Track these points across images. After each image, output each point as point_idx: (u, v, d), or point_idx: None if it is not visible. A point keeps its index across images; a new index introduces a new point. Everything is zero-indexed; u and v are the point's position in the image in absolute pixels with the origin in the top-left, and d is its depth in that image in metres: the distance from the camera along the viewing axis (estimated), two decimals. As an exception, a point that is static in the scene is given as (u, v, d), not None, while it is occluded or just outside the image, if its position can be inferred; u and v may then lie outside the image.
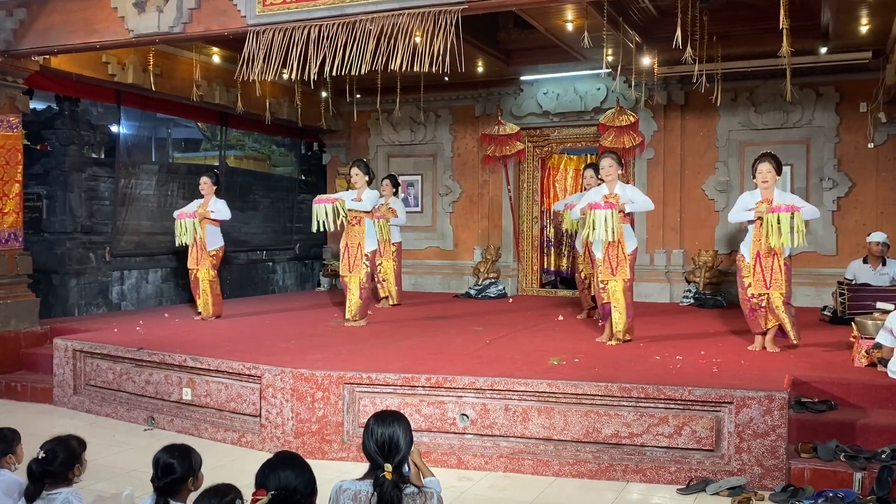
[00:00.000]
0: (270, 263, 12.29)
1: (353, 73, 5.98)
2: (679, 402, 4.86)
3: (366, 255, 7.66)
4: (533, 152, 11.23)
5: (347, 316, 7.77)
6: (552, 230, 11.41)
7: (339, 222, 7.58)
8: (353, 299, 7.68)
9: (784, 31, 5.80)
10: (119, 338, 7.02)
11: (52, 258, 8.97)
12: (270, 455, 2.77)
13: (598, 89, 10.44)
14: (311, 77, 6.14)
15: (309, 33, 6.14)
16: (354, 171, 7.89)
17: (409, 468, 2.90)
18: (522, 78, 10.80)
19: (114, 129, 10.62)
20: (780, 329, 6.28)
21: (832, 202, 9.56)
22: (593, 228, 6.39)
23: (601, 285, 6.63)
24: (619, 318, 6.56)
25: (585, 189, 8.02)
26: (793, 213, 5.93)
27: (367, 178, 7.85)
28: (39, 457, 3.18)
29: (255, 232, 11.93)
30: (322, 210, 7.45)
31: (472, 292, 10.74)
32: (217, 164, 12.01)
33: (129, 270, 9.84)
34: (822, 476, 4.59)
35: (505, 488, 4.83)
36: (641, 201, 6.77)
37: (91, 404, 6.70)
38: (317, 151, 13.18)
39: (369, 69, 5.97)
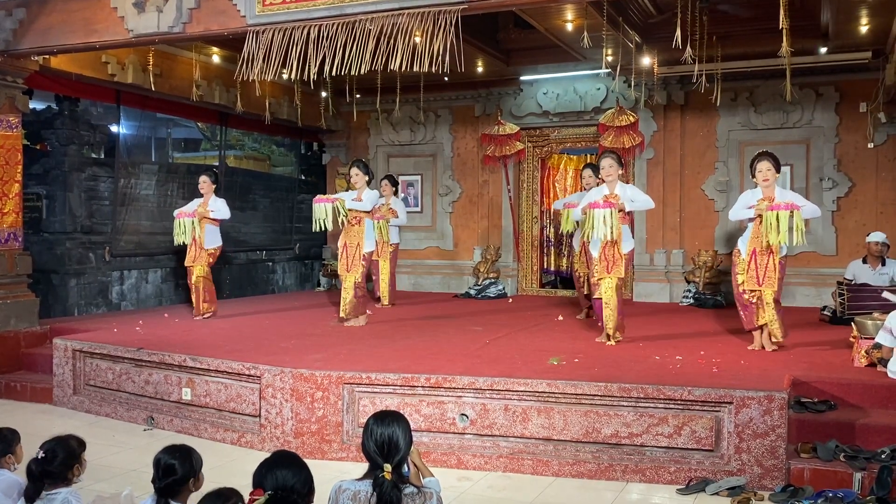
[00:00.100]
0: (270, 263, 12.29)
1: (352, 72, 5.97)
2: (679, 402, 4.86)
3: (363, 255, 7.67)
4: (533, 152, 11.23)
5: (341, 314, 7.79)
6: (552, 230, 11.41)
7: (340, 221, 7.59)
8: (348, 298, 7.70)
9: (784, 31, 5.80)
10: (119, 338, 7.02)
11: (51, 258, 8.97)
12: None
13: (598, 89, 10.44)
14: (311, 77, 6.14)
15: (308, 33, 6.13)
16: (354, 171, 7.90)
17: (409, 468, 2.90)
18: (522, 78, 10.80)
19: (113, 129, 10.61)
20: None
21: (832, 202, 9.56)
22: (593, 227, 6.41)
23: (595, 282, 6.69)
24: (609, 316, 6.60)
25: (584, 189, 8.02)
26: (792, 212, 5.95)
27: (366, 179, 7.85)
28: (39, 457, 3.17)
29: (254, 232, 11.93)
30: (322, 210, 7.47)
31: (472, 292, 10.74)
32: (217, 163, 12.00)
33: (128, 270, 9.85)
34: (822, 476, 4.59)
35: (504, 488, 4.83)
36: (642, 200, 6.81)
37: (91, 404, 6.70)
38: (317, 151, 13.18)
39: (369, 69, 5.96)
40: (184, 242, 8.27)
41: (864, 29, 8.04)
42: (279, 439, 5.49)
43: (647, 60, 8.68)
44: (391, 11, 5.89)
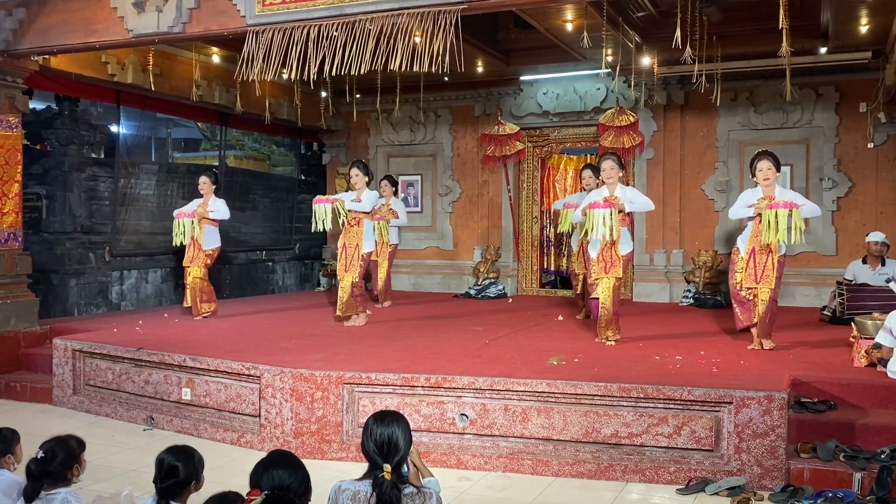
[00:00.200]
0: (270, 263, 12.30)
1: (352, 73, 5.97)
2: (678, 402, 4.86)
3: (362, 255, 7.68)
4: (533, 152, 11.23)
5: (337, 312, 7.81)
6: (552, 230, 11.41)
7: (340, 221, 7.60)
8: (345, 297, 7.70)
9: (784, 31, 5.80)
10: (118, 338, 7.02)
11: (51, 258, 8.97)
12: (269, 455, 2.77)
13: (598, 89, 10.44)
14: (311, 77, 6.14)
15: (308, 33, 6.13)
16: (354, 171, 7.90)
17: (409, 468, 2.90)
18: (522, 78, 10.80)
19: (113, 128, 10.61)
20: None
21: (832, 202, 9.56)
22: (592, 228, 6.42)
23: (592, 283, 6.72)
24: (604, 315, 6.61)
25: (584, 189, 8.02)
26: (791, 211, 5.95)
27: (366, 179, 7.86)
28: (38, 457, 3.17)
29: (254, 232, 11.93)
30: (322, 210, 7.47)
31: (472, 292, 10.74)
32: (217, 164, 12.00)
33: (128, 270, 9.85)
34: (822, 476, 4.59)
35: (504, 488, 4.83)
36: (642, 202, 6.83)
37: (90, 404, 6.69)
38: (316, 151, 13.18)
39: (369, 69, 5.96)
40: (182, 243, 8.26)
41: (863, 29, 8.04)
42: (279, 439, 5.49)
43: (646, 60, 8.68)
44: (391, 11, 5.89)
